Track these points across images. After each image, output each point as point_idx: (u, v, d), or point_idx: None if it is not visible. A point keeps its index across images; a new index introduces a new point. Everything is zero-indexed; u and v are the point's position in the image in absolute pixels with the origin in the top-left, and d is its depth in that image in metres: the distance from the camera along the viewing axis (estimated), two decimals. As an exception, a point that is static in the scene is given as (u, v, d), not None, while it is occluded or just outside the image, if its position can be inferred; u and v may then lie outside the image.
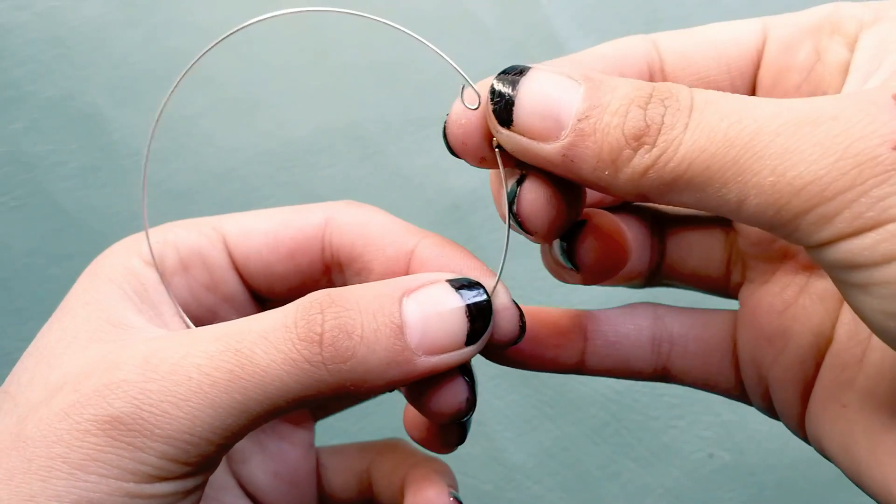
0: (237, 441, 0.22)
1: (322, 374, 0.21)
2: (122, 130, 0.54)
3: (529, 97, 0.21)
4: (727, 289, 0.28)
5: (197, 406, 0.21)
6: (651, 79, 0.24)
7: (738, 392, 0.27)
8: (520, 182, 0.23)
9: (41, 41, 0.55)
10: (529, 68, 0.21)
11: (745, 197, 0.18)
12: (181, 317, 0.27)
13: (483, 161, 0.23)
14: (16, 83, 0.54)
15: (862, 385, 0.22)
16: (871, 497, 0.22)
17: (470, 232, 0.54)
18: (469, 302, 0.23)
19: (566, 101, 0.20)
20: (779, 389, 0.25)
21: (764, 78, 0.24)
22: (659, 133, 0.19)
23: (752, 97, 0.19)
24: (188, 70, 0.26)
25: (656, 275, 0.29)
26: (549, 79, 0.21)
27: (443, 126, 0.23)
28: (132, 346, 0.23)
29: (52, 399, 0.22)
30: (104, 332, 0.24)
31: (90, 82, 0.55)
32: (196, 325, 0.28)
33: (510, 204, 0.23)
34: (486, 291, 0.23)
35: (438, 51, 0.23)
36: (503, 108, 0.21)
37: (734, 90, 0.24)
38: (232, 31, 0.26)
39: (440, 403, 0.24)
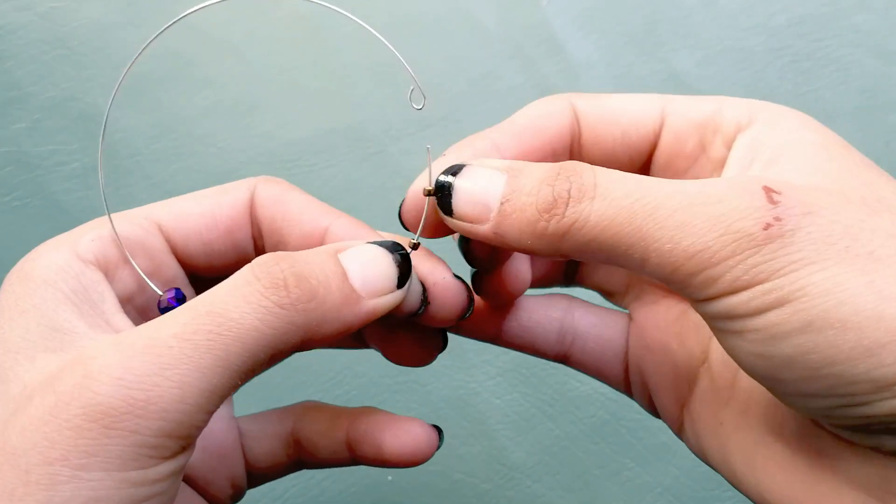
0: (217, 407, 0.23)
1: (292, 316, 0.23)
2: (123, 131, 0.54)
3: (463, 191, 0.25)
4: (622, 301, 0.33)
5: (184, 372, 0.21)
6: (572, 150, 0.29)
7: (625, 388, 0.32)
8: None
9: (43, 42, 0.55)
10: (464, 166, 0.25)
11: (647, 258, 0.22)
12: (152, 289, 0.28)
13: (434, 231, 0.28)
14: (17, 83, 0.55)
15: (734, 407, 0.27)
16: (747, 497, 0.26)
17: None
18: (392, 252, 0.26)
19: (492, 190, 0.24)
20: (658, 394, 0.30)
21: (658, 159, 0.29)
22: (567, 205, 0.23)
23: (648, 177, 0.23)
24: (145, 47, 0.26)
25: (572, 279, 0.34)
26: (478, 173, 0.25)
27: (398, 209, 0.28)
28: (91, 346, 0.23)
29: (26, 408, 0.22)
30: (49, 339, 0.24)
31: (91, 83, 0.55)
32: (142, 316, 0.29)
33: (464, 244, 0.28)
34: (399, 243, 0.27)
35: (393, 49, 0.27)
36: (444, 202, 0.25)
37: (633, 166, 0.29)
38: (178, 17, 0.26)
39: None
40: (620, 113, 0.29)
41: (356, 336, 0.32)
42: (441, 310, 0.28)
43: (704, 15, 0.56)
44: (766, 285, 0.21)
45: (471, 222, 0.25)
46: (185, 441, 0.22)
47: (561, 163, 0.24)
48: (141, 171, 0.54)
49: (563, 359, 0.33)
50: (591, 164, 0.27)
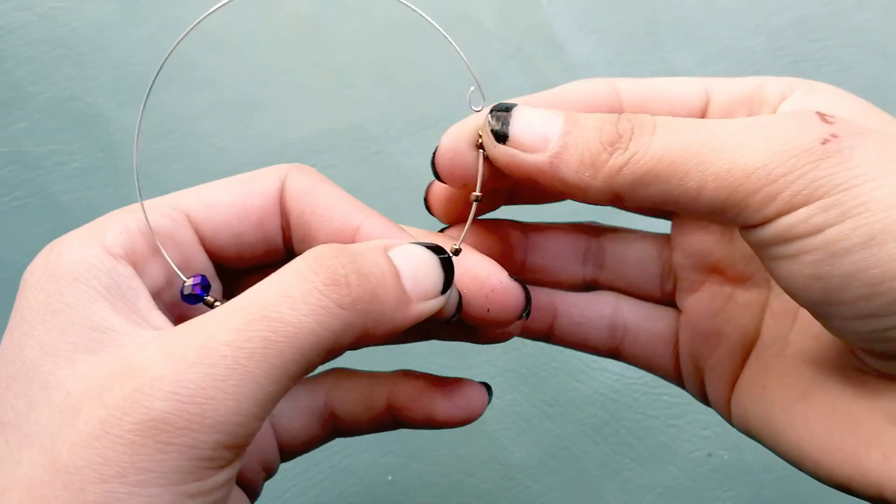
0: (271, 411, 0.22)
1: (350, 317, 0.22)
2: (123, 131, 0.54)
3: (522, 119, 0.25)
4: (658, 298, 0.33)
5: (239, 383, 0.21)
6: None
7: (675, 378, 0.33)
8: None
9: (43, 42, 0.55)
10: (516, 105, 0.26)
11: (704, 183, 0.22)
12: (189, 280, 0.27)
13: (465, 179, 0.28)
14: (18, 83, 0.55)
15: (779, 369, 0.27)
16: (786, 459, 0.26)
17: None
18: (438, 255, 0.26)
19: (551, 124, 0.25)
20: (712, 378, 0.30)
21: None
22: (630, 139, 0.23)
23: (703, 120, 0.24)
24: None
25: (592, 287, 0.34)
26: (535, 110, 0.25)
27: (431, 156, 0.28)
28: (137, 350, 0.22)
29: (75, 421, 0.21)
30: (87, 340, 0.23)
31: (92, 83, 0.55)
32: (171, 311, 0.27)
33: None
34: (442, 248, 0.26)
35: (458, 49, 0.28)
36: (500, 127, 0.25)
37: None
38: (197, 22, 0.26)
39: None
40: (665, 91, 0.29)
41: (414, 329, 0.31)
42: (502, 313, 0.27)
43: (704, 15, 0.56)
44: (828, 200, 0.21)
45: (526, 150, 0.25)
46: (240, 450, 0.22)
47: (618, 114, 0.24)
48: (141, 170, 0.54)
49: (615, 353, 0.33)
50: None
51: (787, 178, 0.21)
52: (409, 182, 0.54)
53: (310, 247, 0.25)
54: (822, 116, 0.22)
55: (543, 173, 0.24)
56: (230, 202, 0.28)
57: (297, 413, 0.31)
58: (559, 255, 0.33)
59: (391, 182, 0.54)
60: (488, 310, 0.27)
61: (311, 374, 0.32)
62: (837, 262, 0.21)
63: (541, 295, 0.32)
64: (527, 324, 0.32)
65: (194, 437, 0.20)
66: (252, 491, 0.31)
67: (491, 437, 0.50)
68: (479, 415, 0.30)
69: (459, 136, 0.27)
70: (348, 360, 0.53)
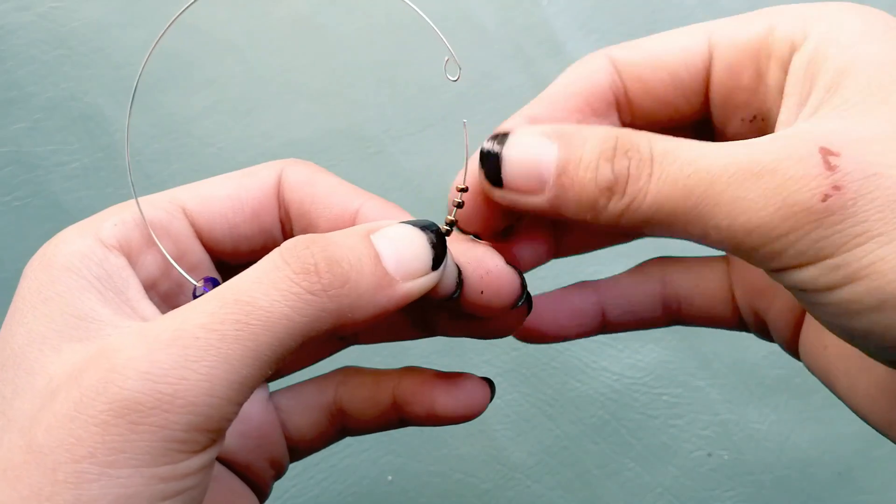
0: (248, 398, 0.22)
1: (324, 303, 0.22)
2: (123, 131, 0.54)
3: (513, 161, 0.24)
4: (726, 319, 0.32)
5: (212, 364, 0.21)
6: (619, 107, 0.27)
7: (739, 327, 0.32)
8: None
9: (43, 42, 0.55)
10: (509, 133, 0.25)
11: (706, 234, 0.21)
12: (181, 274, 0.27)
13: (489, 226, 0.28)
14: (18, 83, 0.55)
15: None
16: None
17: (470, 232, 0.54)
18: (426, 231, 0.25)
19: (545, 160, 0.24)
20: (775, 329, 0.30)
21: (715, 96, 0.27)
22: (627, 184, 0.22)
23: (704, 144, 0.22)
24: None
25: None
26: (527, 140, 0.24)
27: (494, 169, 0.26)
28: (117, 336, 0.22)
29: (52, 403, 0.21)
30: (73, 328, 0.23)
31: (92, 83, 0.55)
32: (166, 303, 0.28)
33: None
34: (435, 224, 0.26)
35: (426, 18, 0.27)
36: (492, 173, 0.25)
37: (690, 107, 0.27)
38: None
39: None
40: (663, 55, 0.27)
41: (420, 324, 0.31)
42: (495, 297, 0.26)
43: (704, 15, 0.56)
44: (833, 260, 0.20)
45: (523, 193, 0.24)
46: (214, 434, 0.21)
47: (616, 131, 0.23)
48: (141, 171, 0.54)
49: (675, 321, 0.32)
50: (644, 116, 0.27)
51: (789, 238, 0.20)
52: (409, 182, 0.54)
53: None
54: (825, 157, 0.20)
55: (546, 213, 0.24)
56: (225, 195, 0.28)
57: (305, 409, 0.31)
58: (637, 308, 0.32)
59: (391, 182, 0.54)
60: (482, 292, 0.26)
61: (322, 372, 0.32)
62: (855, 320, 0.20)
63: (586, 293, 0.32)
64: (578, 331, 0.31)
65: (166, 418, 0.20)
66: (261, 491, 0.31)
67: (491, 437, 0.50)
68: (482, 410, 0.29)
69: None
70: (356, 359, 0.53)
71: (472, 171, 0.26)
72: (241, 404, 0.22)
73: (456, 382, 0.29)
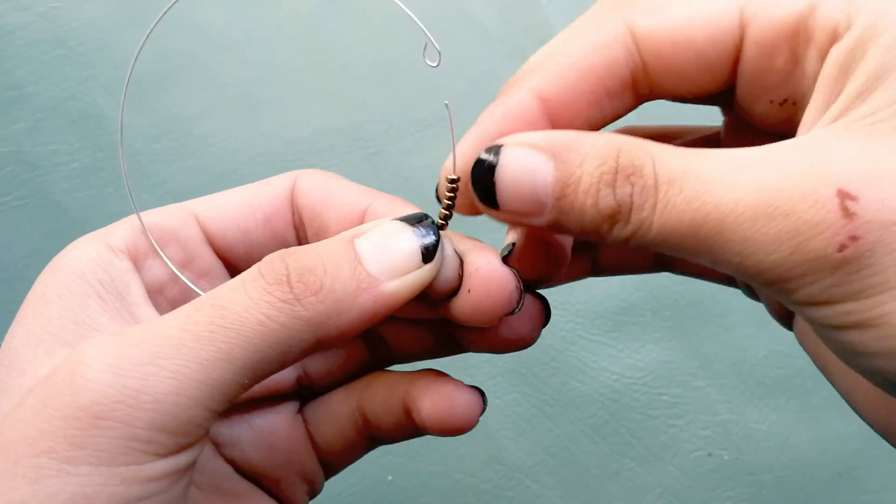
0: (224, 406, 0.22)
1: (298, 311, 0.22)
2: (123, 130, 0.54)
3: (507, 185, 0.22)
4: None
5: (182, 362, 0.21)
6: (635, 83, 0.25)
7: (728, 283, 0.30)
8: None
9: (43, 42, 0.55)
10: (500, 147, 0.22)
11: (717, 265, 0.20)
12: (183, 280, 0.27)
13: (475, 209, 0.25)
14: (18, 83, 0.55)
15: None
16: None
17: (470, 232, 0.54)
18: (414, 225, 0.24)
19: (541, 181, 0.22)
20: (770, 305, 0.28)
21: (744, 75, 0.25)
22: (630, 212, 0.21)
23: (709, 166, 0.20)
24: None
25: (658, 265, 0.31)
26: (518, 158, 0.22)
27: (435, 188, 0.26)
28: (97, 337, 0.22)
29: (25, 399, 0.21)
30: (69, 333, 0.23)
31: (92, 83, 0.55)
32: (173, 307, 0.27)
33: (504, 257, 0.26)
34: (427, 215, 0.25)
35: (401, 4, 0.25)
36: (487, 197, 0.23)
37: (714, 84, 0.25)
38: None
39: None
40: (690, 29, 0.24)
41: (445, 342, 0.30)
42: (483, 300, 0.25)
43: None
44: (846, 306, 0.19)
45: (523, 216, 0.22)
46: (182, 438, 0.21)
47: (617, 144, 0.21)
48: (141, 171, 0.54)
49: (664, 268, 0.31)
50: (663, 90, 0.25)
51: (801, 281, 0.19)
52: (409, 182, 0.54)
53: (324, 239, 0.26)
54: (843, 201, 0.19)
55: (550, 231, 0.23)
56: (238, 202, 0.28)
57: (330, 417, 0.30)
58: (627, 256, 0.31)
59: (391, 182, 0.54)
60: (469, 291, 0.25)
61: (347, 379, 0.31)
62: (862, 359, 0.20)
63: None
64: (570, 270, 0.29)
65: (129, 414, 0.20)
66: None
67: (491, 437, 0.50)
68: (471, 426, 0.27)
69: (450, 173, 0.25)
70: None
71: (462, 155, 0.25)
72: (213, 410, 0.21)
73: (441, 391, 0.27)
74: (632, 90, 0.25)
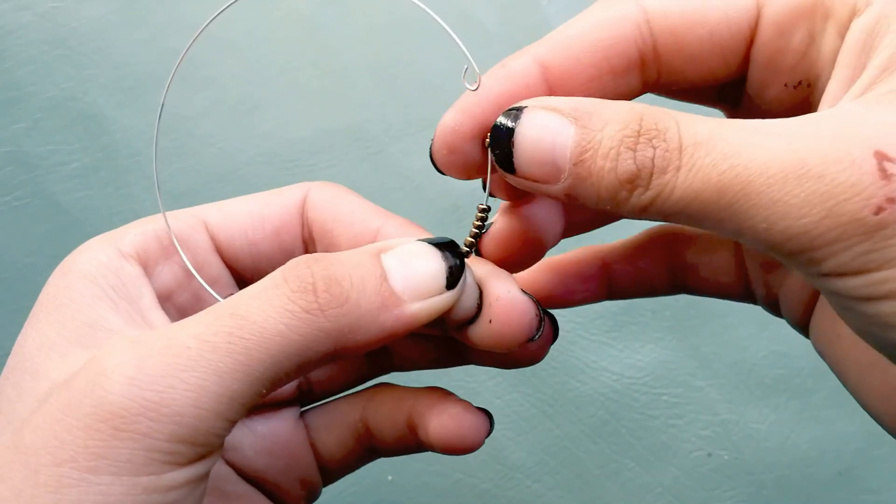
0: (241, 416, 0.22)
1: (320, 322, 0.22)
2: (123, 131, 0.54)
3: (526, 147, 0.22)
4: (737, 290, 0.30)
5: (201, 375, 0.20)
6: (643, 65, 0.24)
7: (745, 299, 0.30)
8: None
9: (43, 42, 0.55)
10: (522, 110, 0.22)
11: (741, 233, 0.19)
12: (200, 282, 0.26)
13: (469, 172, 0.25)
14: (18, 83, 0.55)
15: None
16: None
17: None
18: (442, 250, 0.24)
19: (560, 145, 0.21)
20: (786, 300, 0.28)
21: (758, 56, 0.24)
22: (651, 177, 0.20)
23: (738, 132, 0.20)
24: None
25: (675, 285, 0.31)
26: (541, 120, 0.21)
27: (429, 145, 0.25)
28: (114, 342, 0.22)
29: (43, 405, 0.21)
30: (82, 335, 0.23)
31: (92, 83, 0.55)
32: (182, 314, 0.27)
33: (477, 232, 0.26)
34: (454, 241, 0.24)
35: (445, 25, 0.25)
36: (504, 160, 0.22)
37: (726, 68, 0.25)
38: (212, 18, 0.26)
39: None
40: (705, 8, 0.24)
41: (450, 355, 0.30)
42: (504, 330, 0.24)
43: None
44: (879, 274, 0.18)
45: (538, 182, 0.22)
46: (202, 448, 0.21)
47: (641, 110, 0.21)
48: (141, 171, 0.54)
49: (682, 291, 0.31)
50: (671, 74, 0.24)
51: (833, 248, 0.18)
52: (409, 182, 0.54)
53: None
54: (880, 162, 0.18)
55: (563, 201, 0.22)
56: (247, 212, 0.28)
57: (333, 425, 0.30)
58: (643, 274, 0.30)
59: (391, 182, 0.54)
60: (490, 321, 0.24)
61: (354, 389, 0.31)
62: (890, 331, 0.19)
63: (592, 258, 0.30)
64: (583, 296, 0.29)
65: (149, 426, 0.20)
66: None
67: (491, 437, 0.50)
68: (476, 446, 0.27)
69: (453, 131, 0.24)
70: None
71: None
72: (231, 420, 0.21)
73: (449, 410, 0.27)
74: (638, 72, 0.25)
